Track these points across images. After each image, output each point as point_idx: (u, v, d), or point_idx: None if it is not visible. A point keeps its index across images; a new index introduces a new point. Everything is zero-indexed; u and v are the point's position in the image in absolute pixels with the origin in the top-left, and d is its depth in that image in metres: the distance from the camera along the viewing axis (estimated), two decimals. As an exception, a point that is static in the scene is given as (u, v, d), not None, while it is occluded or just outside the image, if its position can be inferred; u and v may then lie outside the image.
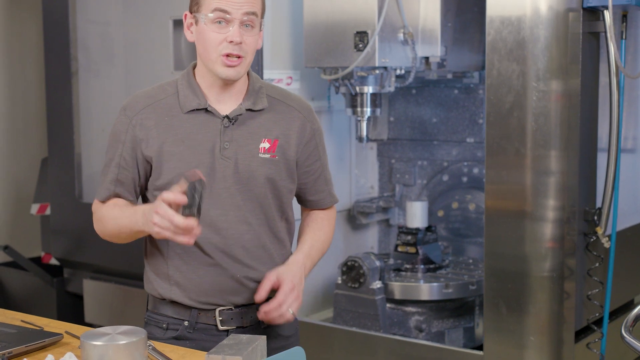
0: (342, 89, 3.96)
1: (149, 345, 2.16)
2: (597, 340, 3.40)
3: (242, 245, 2.33)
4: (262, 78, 3.78)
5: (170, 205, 2.10)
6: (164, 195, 2.11)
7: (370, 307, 3.75)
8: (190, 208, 2.09)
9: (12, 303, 4.98)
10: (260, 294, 2.29)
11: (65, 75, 4.50)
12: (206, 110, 2.32)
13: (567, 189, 3.17)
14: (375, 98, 3.95)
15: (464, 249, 4.34)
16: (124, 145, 2.34)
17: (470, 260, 4.17)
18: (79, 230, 4.48)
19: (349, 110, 3.99)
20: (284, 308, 2.26)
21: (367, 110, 3.95)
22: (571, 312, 3.23)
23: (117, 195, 2.37)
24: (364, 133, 4.01)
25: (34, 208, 4.91)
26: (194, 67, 2.39)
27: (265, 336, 2.12)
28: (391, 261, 4.03)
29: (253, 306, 2.37)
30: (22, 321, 2.51)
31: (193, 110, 2.32)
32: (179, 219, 2.08)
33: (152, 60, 4.17)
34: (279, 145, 2.35)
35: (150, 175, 2.36)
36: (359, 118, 3.98)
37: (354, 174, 4.59)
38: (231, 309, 2.36)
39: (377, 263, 3.80)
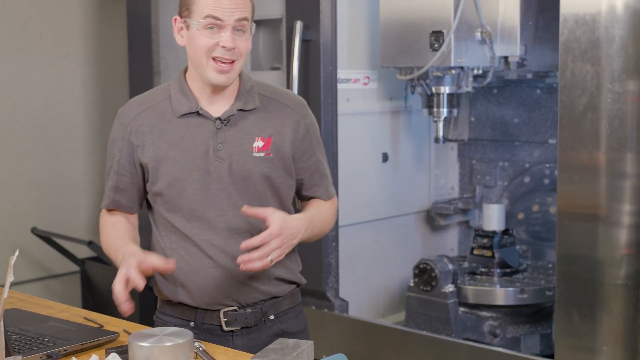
0: (418, 89, 3.91)
1: (199, 347, 2.18)
2: (676, 351, 3.27)
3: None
4: (335, 77, 3.82)
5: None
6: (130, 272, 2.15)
7: (442, 311, 3.70)
8: None
9: (96, 296, 5.09)
10: (249, 211, 2.23)
11: (147, 75, 4.58)
12: (198, 113, 2.34)
13: (644, 194, 3.06)
14: (452, 98, 3.89)
15: (544, 253, 4.24)
16: (121, 152, 2.39)
17: (550, 265, 4.07)
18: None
19: (425, 111, 3.94)
20: (265, 249, 2.17)
21: (444, 111, 3.89)
22: (647, 322, 3.12)
23: (117, 203, 2.43)
24: (440, 134, 3.95)
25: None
26: (185, 70, 2.41)
27: (312, 341, 2.12)
28: (466, 265, 3.96)
29: (257, 306, 2.39)
30: (85, 318, 2.56)
31: (185, 114, 2.35)
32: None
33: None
34: (273, 143, 2.36)
35: (147, 181, 2.40)
36: (435, 119, 3.93)
37: (433, 174, 4.53)
38: (235, 309, 2.38)
39: (450, 266, 3.74)
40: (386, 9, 3.81)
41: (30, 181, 5.15)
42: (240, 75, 2.39)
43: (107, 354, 2.13)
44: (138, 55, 4.64)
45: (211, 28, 2.26)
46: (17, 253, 1.82)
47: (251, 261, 2.16)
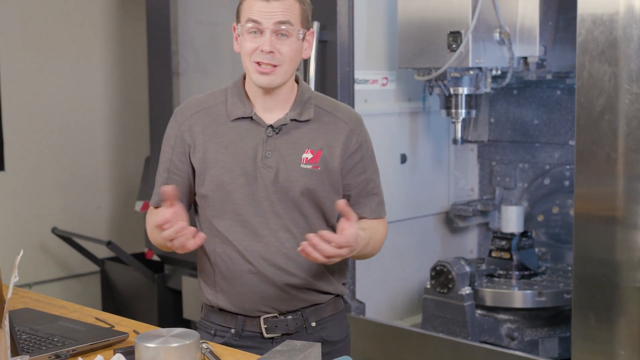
0: (436, 90, 3.89)
1: (207, 348, 2.17)
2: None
3: (284, 252, 2.32)
4: (353, 78, 3.81)
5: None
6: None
7: (458, 313, 3.67)
8: None
9: (115, 296, 5.12)
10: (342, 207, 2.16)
11: (166, 75, 4.58)
12: (251, 118, 2.33)
13: (663, 196, 3.02)
14: (471, 99, 3.86)
15: (564, 256, 4.20)
16: (174, 150, 2.38)
17: (569, 268, 4.02)
18: (178, 228, 4.56)
19: (443, 112, 3.91)
20: (334, 252, 2.12)
21: (462, 112, 3.86)
22: (667, 326, 3.08)
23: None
24: (459, 135, 3.93)
25: (138, 205, 5.03)
26: (245, 76, 2.40)
27: (320, 343, 2.10)
28: (484, 267, 3.93)
29: (298, 312, 2.37)
30: (96, 318, 2.56)
31: (239, 118, 2.34)
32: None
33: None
34: (322, 157, 2.32)
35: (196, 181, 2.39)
36: (453, 120, 3.90)
37: (452, 176, 4.50)
38: (276, 316, 2.36)
39: (467, 268, 3.71)
40: (404, 10, 3.79)
41: (52, 181, 5.18)
42: (298, 85, 2.39)
43: (115, 354, 2.13)
44: (157, 56, 4.65)
45: (254, 32, 2.26)
46: (21, 253, 1.82)
47: (317, 250, 2.11)
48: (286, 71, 2.29)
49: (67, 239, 5.06)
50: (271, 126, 2.32)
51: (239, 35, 2.33)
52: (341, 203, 2.15)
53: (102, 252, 5.16)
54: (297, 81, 2.40)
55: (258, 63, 2.26)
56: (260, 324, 2.36)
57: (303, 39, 2.31)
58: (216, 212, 2.35)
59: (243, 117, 2.34)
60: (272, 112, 2.34)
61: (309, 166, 2.31)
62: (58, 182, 5.21)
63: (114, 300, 5.12)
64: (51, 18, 5.15)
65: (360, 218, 2.35)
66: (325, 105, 2.40)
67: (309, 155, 2.32)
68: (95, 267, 5.26)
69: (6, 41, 4.94)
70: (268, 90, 2.32)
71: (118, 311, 4.98)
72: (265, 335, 2.36)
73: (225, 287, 2.37)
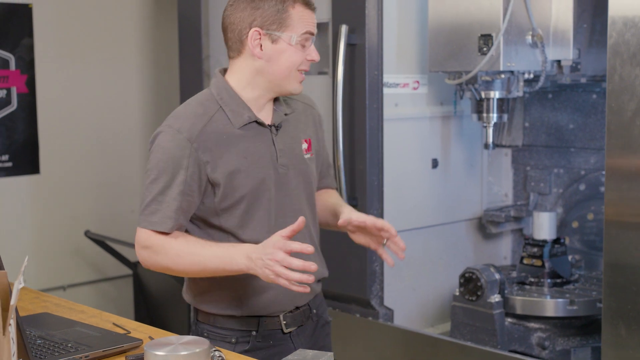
0: (467, 94, 3.83)
1: (219, 356, 2.14)
2: None
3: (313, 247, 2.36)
4: (381, 82, 3.76)
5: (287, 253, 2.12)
6: (280, 243, 2.12)
7: (487, 322, 3.60)
8: None
9: (148, 299, 5.12)
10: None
11: (198, 79, 4.58)
12: (256, 122, 2.33)
13: (697, 203, 2.93)
14: (502, 103, 3.79)
15: (598, 263, 4.10)
16: (187, 170, 2.25)
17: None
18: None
19: (475, 116, 3.84)
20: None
21: (493, 116, 3.79)
22: (701, 338, 2.98)
23: (180, 226, 2.29)
24: (490, 140, 3.85)
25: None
26: (226, 80, 2.36)
27: (332, 352, 2.08)
28: (515, 274, 3.85)
29: (307, 304, 2.47)
30: (114, 324, 2.55)
31: (245, 124, 2.32)
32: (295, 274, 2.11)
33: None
34: (312, 144, 2.44)
35: (214, 196, 2.30)
36: (484, 124, 3.83)
37: (486, 181, 4.43)
38: (291, 311, 2.42)
39: (497, 276, 3.64)
40: (435, 12, 3.74)
41: (86, 185, 5.21)
42: None
43: (125, 361, 2.12)
44: (189, 61, 4.65)
45: (306, 43, 2.30)
46: (26, 259, 1.80)
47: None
48: None
49: (100, 242, 5.08)
50: (273, 125, 2.36)
51: (260, 40, 2.27)
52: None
53: (135, 255, 5.16)
54: None
55: (302, 72, 2.33)
56: (280, 321, 2.40)
57: None
58: (242, 222, 2.31)
59: (248, 122, 2.33)
60: (264, 112, 2.37)
61: (309, 155, 2.43)
62: (92, 186, 5.24)
63: (146, 303, 5.13)
64: (85, 23, 5.18)
65: (326, 188, 2.57)
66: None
67: (305, 145, 2.42)
68: (128, 271, 5.27)
69: (42, 46, 4.98)
70: (295, 93, 2.40)
71: (150, 315, 4.99)
72: (285, 330, 2.41)
73: (250, 295, 2.35)
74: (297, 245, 2.11)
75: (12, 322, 1.79)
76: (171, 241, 2.26)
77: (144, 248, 2.30)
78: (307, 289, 2.15)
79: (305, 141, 2.40)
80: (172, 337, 2.06)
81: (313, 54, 2.31)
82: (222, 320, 2.40)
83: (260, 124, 2.33)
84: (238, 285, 2.35)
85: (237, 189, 2.29)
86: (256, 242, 2.26)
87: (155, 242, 2.27)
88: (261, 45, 2.28)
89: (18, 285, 1.74)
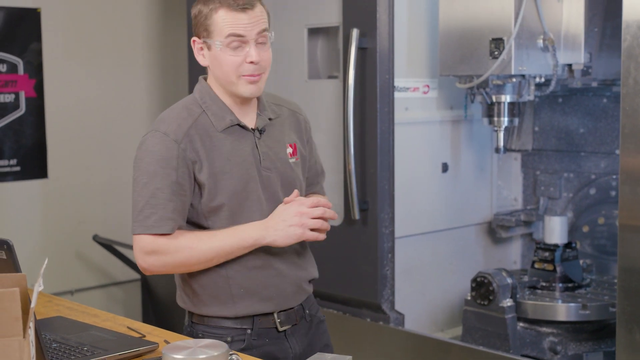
0: (478, 98, 3.82)
1: (236, 359, 2.13)
2: None
3: (295, 249, 2.42)
4: (392, 86, 3.75)
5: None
6: (302, 200, 2.33)
7: (499, 326, 3.59)
8: None
9: (156, 305, 5.11)
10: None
11: (207, 83, 4.56)
12: (239, 125, 2.36)
13: None
14: (513, 107, 3.78)
15: (610, 268, 4.09)
16: (177, 171, 2.27)
17: (615, 280, 3.90)
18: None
19: (485, 120, 3.84)
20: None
21: (504, 120, 3.79)
22: None
23: (179, 226, 2.30)
24: (501, 144, 3.85)
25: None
26: (208, 84, 2.41)
27: (350, 356, 2.07)
28: (526, 278, 3.84)
29: (301, 304, 2.49)
30: (128, 327, 2.54)
31: (228, 127, 2.35)
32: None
33: (289, 68, 4.16)
34: (298, 148, 2.46)
35: (200, 197, 2.32)
36: (495, 128, 3.83)
37: (495, 185, 4.42)
38: (285, 310, 2.43)
39: (509, 280, 3.63)
40: (445, 16, 3.74)
41: (94, 189, 5.20)
42: None
43: (143, 365, 2.11)
44: (198, 64, 4.62)
45: (235, 46, 2.26)
46: (45, 262, 1.79)
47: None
48: (266, 76, 2.36)
49: (108, 246, 5.07)
50: (257, 129, 2.38)
51: (201, 49, 2.32)
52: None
53: (143, 260, 5.15)
54: None
55: (248, 75, 2.28)
56: (274, 320, 2.41)
57: None
58: (229, 223, 2.33)
59: (231, 126, 2.36)
60: (248, 116, 2.39)
61: (293, 159, 2.45)
62: (100, 190, 5.23)
63: (154, 308, 5.11)
64: (93, 27, 5.17)
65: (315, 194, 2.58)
66: (274, 100, 2.52)
67: (290, 150, 2.44)
68: (136, 275, 5.26)
69: (50, 50, 4.97)
70: (249, 98, 2.36)
71: (158, 319, 4.98)
72: (280, 328, 2.42)
73: (244, 296, 2.37)
74: (323, 200, 2.36)
75: (31, 325, 1.78)
76: (178, 239, 2.27)
77: (149, 254, 2.28)
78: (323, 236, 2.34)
79: (290, 146, 2.42)
80: (190, 340, 2.05)
81: (250, 56, 2.25)
82: (216, 320, 2.40)
83: (243, 127, 2.36)
84: (232, 285, 2.35)
85: (221, 191, 2.30)
86: None
87: (161, 244, 2.27)
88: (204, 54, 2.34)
89: (38, 288, 1.73)
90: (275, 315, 2.40)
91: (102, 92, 5.22)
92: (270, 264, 2.37)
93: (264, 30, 2.28)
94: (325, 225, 2.34)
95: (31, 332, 1.78)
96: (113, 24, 5.27)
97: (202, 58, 2.35)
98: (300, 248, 2.45)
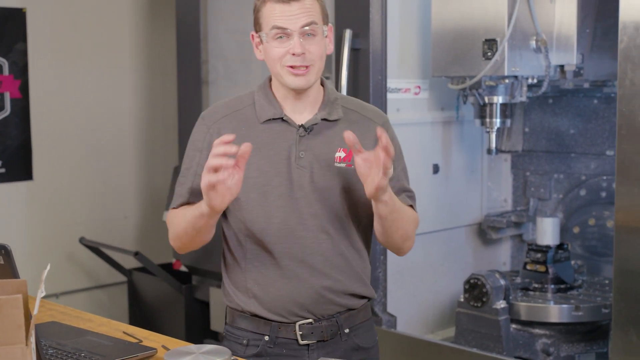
0: (471, 99, 3.81)
1: (237, 365, 2.11)
2: None
3: (321, 253, 2.29)
4: (385, 87, 3.74)
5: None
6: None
7: (493, 328, 3.58)
8: None
9: (143, 307, 5.07)
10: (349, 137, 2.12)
11: (196, 84, 4.53)
12: (282, 119, 2.31)
13: None
14: (506, 108, 3.78)
15: (600, 269, 4.09)
16: (202, 153, 2.32)
17: (607, 281, 3.92)
18: (207, 238, 4.50)
19: (478, 121, 3.83)
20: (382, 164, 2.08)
21: (497, 121, 3.78)
22: None
23: (190, 204, 2.33)
24: (493, 145, 3.85)
25: (166, 215, 4.97)
26: (270, 79, 2.39)
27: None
28: (519, 280, 3.83)
29: (333, 318, 2.33)
30: (124, 332, 2.51)
31: (269, 120, 2.32)
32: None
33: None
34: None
35: None
36: (487, 129, 3.82)
37: (486, 186, 4.41)
38: (311, 322, 2.31)
39: (502, 282, 3.62)
40: (438, 17, 3.72)
41: (80, 191, 5.15)
42: (324, 86, 2.39)
43: (143, 371, 2.07)
44: (187, 65, 4.61)
45: (280, 37, 2.25)
46: (48, 267, 1.76)
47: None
48: (318, 70, 2.29)
49: (94, 249, 5.02)
50: (302, 126, 2.31)
51: (259, 43, 2.32)
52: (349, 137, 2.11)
53: (130, 262, 5.11)
54: (322, 83, 2.40)
55: (291, 67, 2.24)
56: (295, 331, 2.31)
57: (326, 35, 2.31)
58: (249, 215, 2.30)
59: (273, 119, 2.32)
60: (301, 114, 2.34)
61: (343, 165, 2.31)
62: (86, 192, 5.18)
63: (140, 311, 5.07)
64: (80, 28, 5.13)
65: None
66: (352, 105, 2.42)
67: (342, 154, 2.31)
68: (122, 278, 5.21)
69: (35, 51, 4.92)
70: (299, 92, 2.31)
71: (145, 322, 4.94)
72: (301, 342, 2.31)
73: (259, 292, 2.31)
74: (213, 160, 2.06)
75: (32, 332, 1.75)
76: (176, 212, 2.35)
77: (168, 228, 2.39)
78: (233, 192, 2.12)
79: (344, 150, 2.31)
80: (192, 346, 2.02)
81: (293, 47, 2.23)
82: (239, 320, 2.36)
83: (287, 121, 2.31)
84: (251, 284, 2.31)
85: (245, 180, 2.23)
86: (262, 238, 2.28)
87: (169, 217, 2.39)
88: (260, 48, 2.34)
89: (40, 294, 1.70)
90: (297, 326, 2.31)
91: (88, 93, 5.17)
92: (283, 263, 2.28)
93: (311, 23, 2.24)
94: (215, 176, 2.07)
95: (33, 340, 1.75)
96: (99, 24, 5.22)
97: (258, 52, 2.34)
98: (332, 255, 2.31)
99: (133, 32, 5.39)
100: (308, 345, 2.32)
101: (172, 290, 4.80)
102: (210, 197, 2.10)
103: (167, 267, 5.04)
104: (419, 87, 4.04)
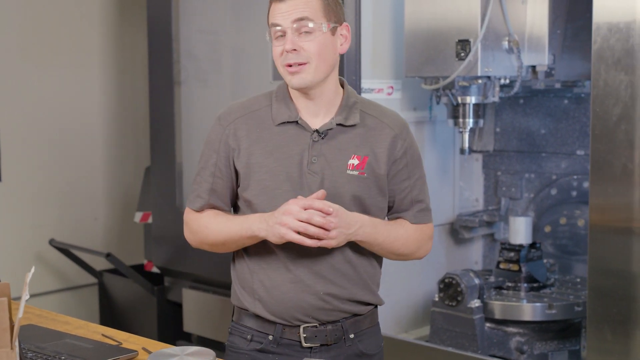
0: (444, 99, 3.83)
1: (222, 367, 2.10)
2: None
3: (328, 260, 2.27)
4: (360, 87, 3.74)
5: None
6: (298, 200, 2.15)
7: (467, 327, 3.60)
8: None
9: (114, 308, 5.03)
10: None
11: (168, 85, 4.51)
12: (297, 123, 2.28)
13: (680, 207, 2.96)
14: (478, 109, 3.80)
15: (572, 267, 4.13)
16: (218, 154, 2.33)
17: (578, 280, 3.97)
18: (179, 240, 4.44)
19: (451, 121, 3.85)
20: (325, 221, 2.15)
21: (470, 122, 3.80)
22: (684, 340, 3.01)
23: (212, 205, 2.36)
24: (466, 145, 3.87)
25: (138, 216, 4.95)
26: None
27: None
28: (492, 279, 3.86)
29: (338, 323, 2.32)
30: (103, 335, 2.49)
31: (284, 122, 2.29)
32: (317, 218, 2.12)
33: (255, 69, 4.13)
34: (368, 162, 2.28)
35: (238, 185, 2.34)
36: (460, 129, 3.84)
37: (457, 186, 4.44)
38: (316, 325, 2.30)
39: (476, 281, 3.64)
40: (411, 18, 3.73)
41: (49, 192, 5.11)
42: (344, 90, 2.36)
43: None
44: (158, 65, 4.58)
45: (280, 36, 2.24)
46: (32, 270, 1.74)
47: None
48: (317, 68, 2.23)
49: (64, 250, 4.98)
50: (317, 131, 2.28)
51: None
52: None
53: (100, 264, 5.07)
54: (342, 85, 2.36)
55: (288, 65, 2.23)
56: (299, 333, 2.30)
57: (334, 33, 2.26)
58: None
59: (288, 122, 2.29)
60: (317, 117, 2.31)
61: (355, 172, 2.28)
62: (55, 193, 5.13)
63: (112, 313, 5.04)
64: (49, 26, 5.08)
65: (400, 218, 2.41)
66: (371, 110, 2.37)
67: (355, 162, 2.28)
68: (93, 279, 5.18)
69: (3, 49, 4.87)
70: (308, 93, 2.28)
71: (117, 324, 4.90)
72: (304, 344, 2.30)
73: (264, 295, 2.31)
74: (317, 203, 2.13)
75: (16, 335, 1.73)
76: (202, 217, 2.36)
77: (184, 225, 2.42)
78: (317, 243, 2.15)
79: (357, 157, 2.28)
80: (176, 347, 2.02)
81: (284, 44, 2.21)
82: (245, 319, 2.36)
83: (302, 125, 2.29)
84: (257, 285, 2.31)
85: (254, 183, 2.28)
86: (270, 243, 2.25)
87: (189, 218, 2.40)
88: None
89: (25, 297, 1.68)
90: (302, 328, 2.29)
91: (57, 93, 5.12)
92: (289, 267, 2.27)
93: (303, 19, 2.20)
94: (315, 231, 2.13)
95: (17, 343, 1.73)
96: (69, 24, 5.17)
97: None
98: (339, 263, 2.29)
99: (102, 32, 5.34)
100: (311, 348, 2.31)
101: (144, 291, 4.77)
102: (281, 236, 2.15)
103: (139, 269, 5.01)
104: (392, 87, 4.05)
